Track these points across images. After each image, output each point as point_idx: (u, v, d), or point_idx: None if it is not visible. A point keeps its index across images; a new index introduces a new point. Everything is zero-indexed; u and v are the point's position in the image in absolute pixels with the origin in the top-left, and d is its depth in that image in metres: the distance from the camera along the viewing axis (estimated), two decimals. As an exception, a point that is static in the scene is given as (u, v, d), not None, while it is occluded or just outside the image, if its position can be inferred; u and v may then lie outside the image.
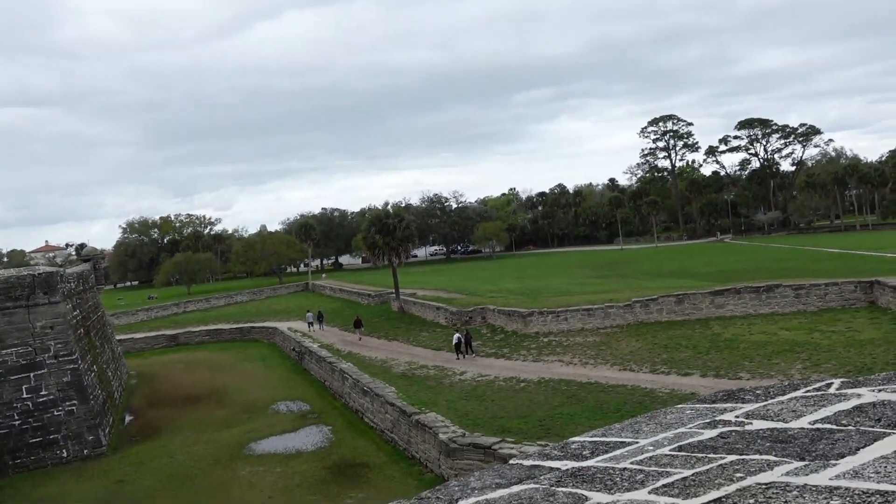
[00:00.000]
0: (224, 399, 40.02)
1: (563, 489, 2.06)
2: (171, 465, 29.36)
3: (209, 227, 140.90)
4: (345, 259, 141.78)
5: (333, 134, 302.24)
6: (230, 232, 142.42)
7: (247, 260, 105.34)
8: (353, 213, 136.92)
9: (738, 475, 1.95)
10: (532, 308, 42.70)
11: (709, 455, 2.24)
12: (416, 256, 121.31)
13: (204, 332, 64.23)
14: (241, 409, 37.53)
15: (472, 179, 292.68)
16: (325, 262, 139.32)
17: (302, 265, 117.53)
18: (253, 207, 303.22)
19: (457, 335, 40.30)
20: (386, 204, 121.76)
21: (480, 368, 35.59)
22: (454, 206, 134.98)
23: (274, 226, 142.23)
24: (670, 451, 2.39)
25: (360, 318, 53.13)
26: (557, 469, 2.40)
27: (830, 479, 1.79)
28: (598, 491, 2.01)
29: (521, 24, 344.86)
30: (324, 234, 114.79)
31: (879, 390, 2.76)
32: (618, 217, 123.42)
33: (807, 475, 1.84)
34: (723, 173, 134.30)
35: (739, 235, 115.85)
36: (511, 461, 2.64)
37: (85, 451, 32.42)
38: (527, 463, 2.60)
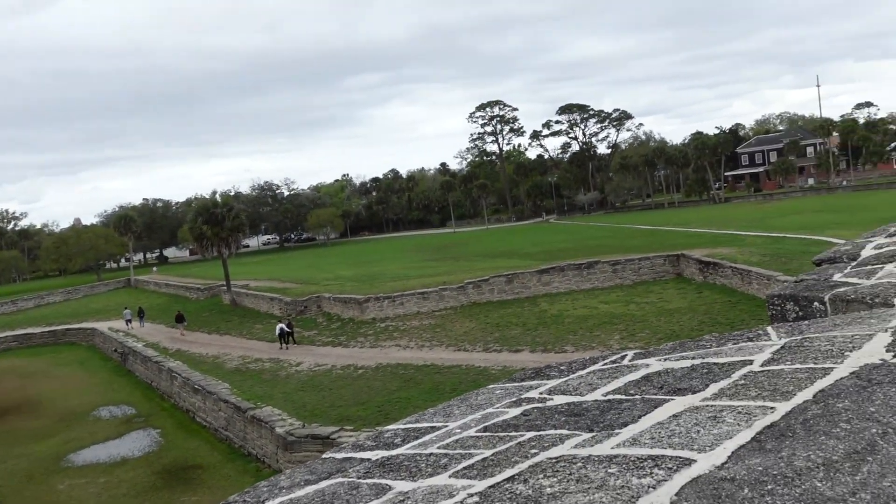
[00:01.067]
0: (37, 409, 36.93)
1: (369, 481, 2.07)
2: (-24, 486, 26.74)
3: (13, 223, 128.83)
4: (170, 252, 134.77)
5: (154, 120, 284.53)
6: (38, 227, 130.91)
7: (59, 257, 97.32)
8: (178, 203, 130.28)
9: (533, 451, 2.04)
10: (368, 294, 42.78)
11: (510, 433, 2.33)
12: (247, 246, 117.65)
13: (10, 338, 58.81)
14: (57, 418, 34.82)
15: (304, 166, 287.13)
16: (148, 255, 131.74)
17: (123, 260, 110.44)
18: (65, 200, 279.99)
19: (280, 325, 39.83)
20: (214, 193, 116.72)
21: (317, 358, 35.23)
22: (286, 193, 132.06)
23: (90, 219, 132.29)
24: (476, 432, 2.46)
25: (182, 312, 50.82)
26: (368, 460, 2.41)
27: (612, 448, 1.90)
28: (402, 479, 2.04)
29: (350, 8, 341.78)
30: (146, 226, 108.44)
31: (665, 359, 2.97)
32: (450, 201, 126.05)
33: (592, 446, 1.96)
34: (546, 157, 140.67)
35: (563, 215, 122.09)
36: (324, 455, 2.62)
37: None
38: (339, 456, 2.59)
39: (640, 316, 33.74)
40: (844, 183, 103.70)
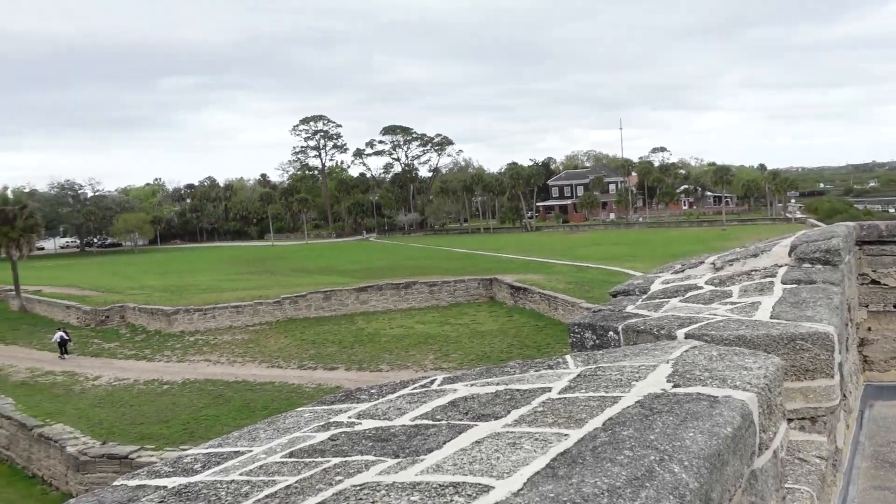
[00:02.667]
0: None
1: (161, 512, 1.96)
2: None
3: None
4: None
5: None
6: None
7: None
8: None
9: (339, 478, 2.03)
10: (178, 306, 40.64)
11: (316, 459, 2.30)
12: (42, 249, 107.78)
13: None
14: None
15: (111, 166, 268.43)
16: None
17: None
18: None
19: (59, 332, 37.63)
20: (5, 188, 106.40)
21: (118, 372, 32.88)
22: (90, 194, 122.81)
23: None
24: (281, 458, 2.40)
25: None
26: (164, 488, 2.27)
27: (416, 474, 1.93)
28: (199, 510, 1.95)
29: (169, 5, 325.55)
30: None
31: (472, 384, 3.06)
32: (269, 213, 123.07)
33: (397, 472, 1.98)
34: (369, 175, 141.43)
35: (383, 235, 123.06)
36: (116, 482, 2.45)
37: None
38: (132, 483, 2.42)
39: (454, 337, 34.65)
40: (640, 219, 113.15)
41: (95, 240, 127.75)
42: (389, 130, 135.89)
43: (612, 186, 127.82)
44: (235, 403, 26.42)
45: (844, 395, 4.65)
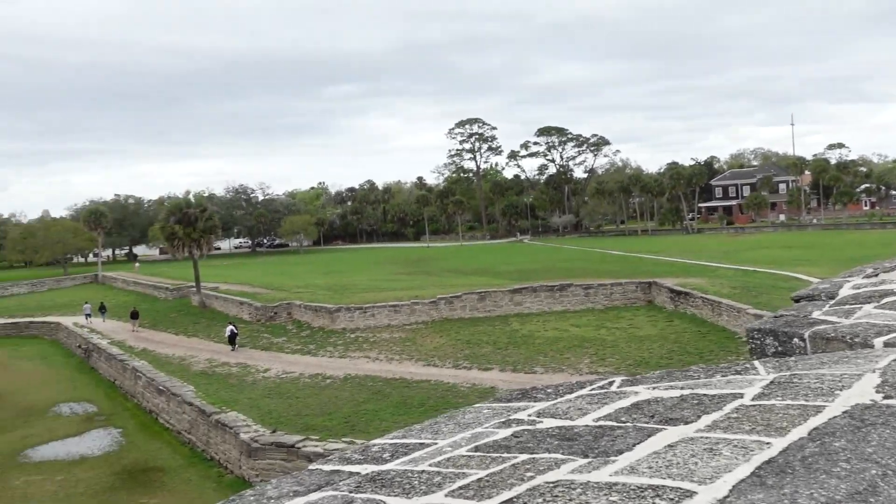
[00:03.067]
0: (-6, 402, 36.13)
1: (362, 495, 2.05)
2: (-74, 479, 26.03)
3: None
4: (140, 250, 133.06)
5: (128, 116, 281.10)
6: (5, 217, 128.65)
7: (25, 248, 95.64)
8: (149, 200, 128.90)
9: (529, 474, 2.03)
10: (339, 304, 42.55)
11: (503, 455, 2.32)
12: (219, 249, 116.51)
13: (-29, 328, 57.58)
14: (15, 412, 34.06)
15: (279, 171, 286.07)
16: (117, 252, 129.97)
17: (91, 255, 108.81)
18: (34, 190, 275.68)
19: (230, 327, 40.83)
20: (187, 193, 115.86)
21: (285, 365, 34.90)
22: (261, 197, 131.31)
23: (59, 211, 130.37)
24: (467, 451, 2.44)
25: (136, 310, 51.05)
26: (357, 474, 2.38)
27: (610, 475, 1.90)
28: (395, 496, 2.02)
29: (331, 17, 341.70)
30: (116, 222, 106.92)
31: (654, 388, 2.98)
32: (425, 215, 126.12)
33: (589, 472, 1.95)
34: (523, 177, 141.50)
35: (537, 236, 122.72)
36: (311, 466, 2.58)
37: None
38: (326, 468, 2.56)
39: (611, 341, 33.92)
40: (815, 221, 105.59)
41: (265, 240, 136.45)
42: (544, 132, 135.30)
43: (781, 186, 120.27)
44: (393, 399, 27.27)
45: None
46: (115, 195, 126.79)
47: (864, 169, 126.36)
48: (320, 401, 27.96)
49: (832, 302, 5.06)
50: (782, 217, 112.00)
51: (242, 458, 22.66)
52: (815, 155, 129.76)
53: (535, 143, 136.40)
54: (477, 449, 2.42)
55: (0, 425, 31.97)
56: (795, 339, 4.25)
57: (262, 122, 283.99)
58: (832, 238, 75.18)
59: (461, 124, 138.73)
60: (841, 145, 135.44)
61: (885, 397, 2.31)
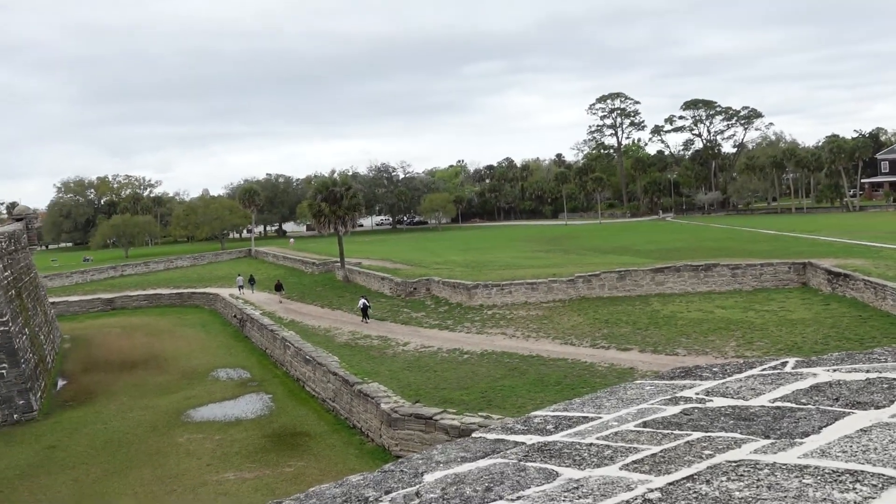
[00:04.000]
0: (162, 365, 39.34)
1: (533, 464, 2.04)
2: (105, 432, 28.78)
3: (149, 190, 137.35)
4: (289, 226, 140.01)
5: (279, 99, 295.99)
6: (171, 195, 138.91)
7: (188, 224, 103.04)
8: (297, 179, 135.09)
9: (707, 452, 1.96)
10: (477, 281, 42.94)
11: (674, 432, 2.25)
12: (361, 226, 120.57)
13: (142, 297, 62.85)
14: (179, 375, 36.96)
15: (420, 150, 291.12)
16: (268, 228, 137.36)
17: (245, 231, 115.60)
18: (195, 170, 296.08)
19: (362, 300, 42.52)
20: (332, 172, 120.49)
21: (424, 339, 35.72)
22: (401, 176, 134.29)
23: (217, 190, 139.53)
24: (635, 426, 2.39)
25: (281, 282, 54.77)
26: (523, 444, 2.38)
27: (798, 457, 1.80)
28: (567, 466, 2.00)
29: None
30: (268, 200, 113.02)
31: (834, 370, 2.81)
32: (563, 192, 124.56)
33: (775, 453, 1.86)
34: (667, 153, 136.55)
35: (681, 214, 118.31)
36: (474, 434, 2.62)
37: (15, 416, 31.50)
38: (490, 437, 2.58)
39: (760, 324, 32.27)
40: None
41: (405, 218, 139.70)
42: (691, 105, 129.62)
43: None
44: (530, 376, 27.26)
45: None
46: (267, 174, 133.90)
47: None
48: (458, 375, 28.42)
49: None
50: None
51: (383, 427, 23.45)
52: None
53: (681, 118, 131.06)
54: (645, 425, 2.35)
55: (166, 386, 34.78)
56: None
57: (404, 103, 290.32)
58: None
59: (602, 99, 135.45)
60: None
61: None
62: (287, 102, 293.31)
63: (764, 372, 2.96)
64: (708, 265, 41.31)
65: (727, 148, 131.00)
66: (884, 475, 1.60)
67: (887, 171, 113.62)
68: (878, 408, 2.19)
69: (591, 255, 57.84)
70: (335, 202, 57.06)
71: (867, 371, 2.66)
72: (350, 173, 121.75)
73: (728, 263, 41.47)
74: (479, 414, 21.56)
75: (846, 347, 26.50)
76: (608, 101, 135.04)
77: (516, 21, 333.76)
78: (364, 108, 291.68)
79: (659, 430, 2.27)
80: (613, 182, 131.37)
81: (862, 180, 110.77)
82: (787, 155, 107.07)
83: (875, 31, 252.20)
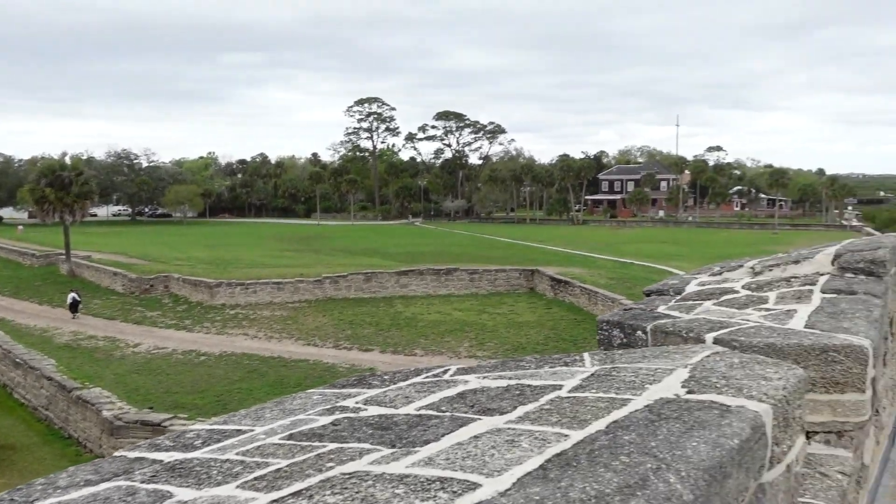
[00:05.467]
0: None
1: (149, 486, 1.94)
2: None
3: None
4: (6, 212, 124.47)
5: (2, 65, 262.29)
6: None
7: None
8: (21, 160, 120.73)
9: (330, 465, 1.99)
10: (220, 279, 41.35)
11: (313, 444, 2.27)
12: (94, 216, 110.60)
13: None
14: None
15: (168, 138, 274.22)
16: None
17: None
18: None
19: (72, 293, 40.15)
20: (63, 154, 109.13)
21: (158, 340, 33.60)
22: (144, 164, 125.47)
23: None
24: (280, 439, 2.37)
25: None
26: (160, 462, 2.26)
27: (407, 466, 1.89)
28: (187, 487, 1.93)
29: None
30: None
31: (484, 377, 3.00)
32: (317, 192, 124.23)
33: (388, 463, 1.93)
34: (419, 159, 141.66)
35: (429, 220, 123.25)
36: (116, 453, 2.45)
37: None
38: (132, 455, 2.42)
39: (491, 326, 34.58)
40: (690, 218, 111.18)
41: (146, 209, 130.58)
42: (442, 116, 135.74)
43: (663, 184, 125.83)
44: (269, 378, 26.79)
45: (877, 411, 4.47)
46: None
47: (738, 172, 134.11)
48: (193, 378, 27.11)
49: (678, 297, 5.29)
50: (661, 213, 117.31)
51: (104, 436, 21.69)
52: (695, 156, 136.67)
53: (433, 127, 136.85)
54: (291, 437, 2.35)
55: None
56: (639, 332, 4.41)
57: (153, 86, 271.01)
58: (705, 235, 79.44)
59: (360, 102, 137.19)
60: (719, 148, 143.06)
61: (689, 392, 2.41)
62: (9, 71, 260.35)
63: (426, 379, 3.11)
64: (449, 269, 43.48)
65: (474, 159, 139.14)
66: (468, 481, 1.72)
67: (607, 189, 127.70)
68: (501, 413, 2.37)
69: (341, 256, 58.24)
70: (63, 188, 51.77)
71: (510, 378, 2.88)
72: (85, 157, 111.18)
73: (467, 268, 43.98)
74: (212, 419, 20.77)
75: (563, 348, 29.29)
76: (366, 104, 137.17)
77: (278, 12, 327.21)
78: (105, 87, 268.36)
79: (300, 443, 2.28)
80: (367, 185, 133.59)
81: (586, 197, 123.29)
82: (525, 170, 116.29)
83: (604, 64, 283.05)
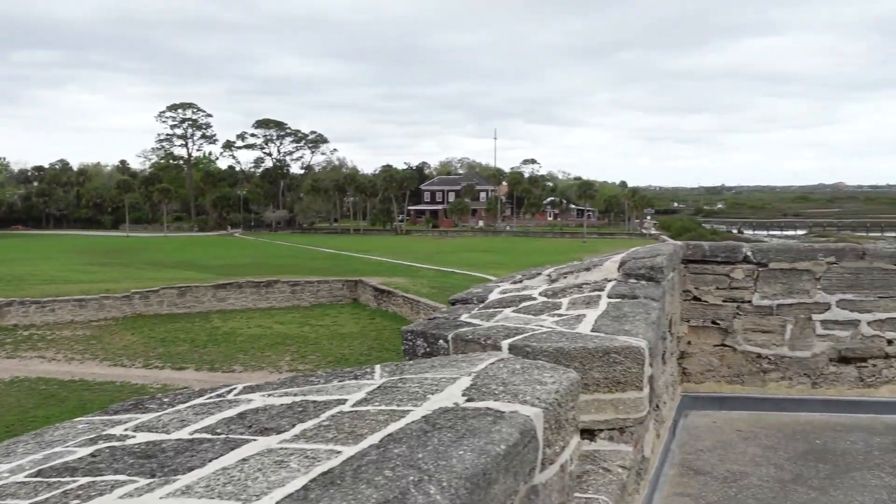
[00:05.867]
0: None
1: None
2: None
3: None
4: None
5: None
6: None
7: None
8: None
9: (74, 502, 1.81)
10: (11, 297, 37.63)
11: (63, 479, 2.06)
12: None
13: None
14: None
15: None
16: None
17: None
18: None
19: None
20: None
21: (-66, 367, 30.00)
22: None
23: None
24: (26, 477, 2.14)
25: None
26: None
27: (161, 497, 1.76)
28: None
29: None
30: None
31: (269, 395, 2.90)
32: (126, 202, 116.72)
33: (140, 496, 1.79)
34: (238, 168, 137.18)
35: (249, 231, 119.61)
36: None
37: None
38: None
39: (314, 338, 34.09)
40: (508, 228, 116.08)
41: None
42: (263, 124, 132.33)
43: (482, 194, 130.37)
44: (70, 404, 24.69)
45: (657, 406, 4.82)
46: None
47: (551, 184, 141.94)
48: (-24, 409, 24.44)
49: (481, 305, 5.43)
50: (481, 223, 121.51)
51: None
52: (512, 168, 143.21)
53: (253, 135, 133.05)
54: (39, 473, 2.13)
55: None
56: (441, 341, 4.47)
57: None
58: (521, 244, 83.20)
59: (173, 108, 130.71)
60: (534, 161, 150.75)
61: (468, 400, 2.44)
62: None
63: (208, 400, 2.94)
64: (270, 281, 42.40)
65: (295, 169, 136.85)
66: (222, 510, 1.63)
67: (429, 200, 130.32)
68: (279, 433, 2.28)
69: (153, 269, 54.98)
70: None
71: (296, 395, 2.80)
72: None
73: (289, 280, 43.10)
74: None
75: (386, 358, 29.44)
76: (179, 110, 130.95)
77: (77, 10, 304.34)
78: None
79: (48, 480, 2.07)
80: (182, 194, 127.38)
81: (409, 207, 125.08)
82: (348, 180, 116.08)
83: (426, 77, 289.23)
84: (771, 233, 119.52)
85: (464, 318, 4.94)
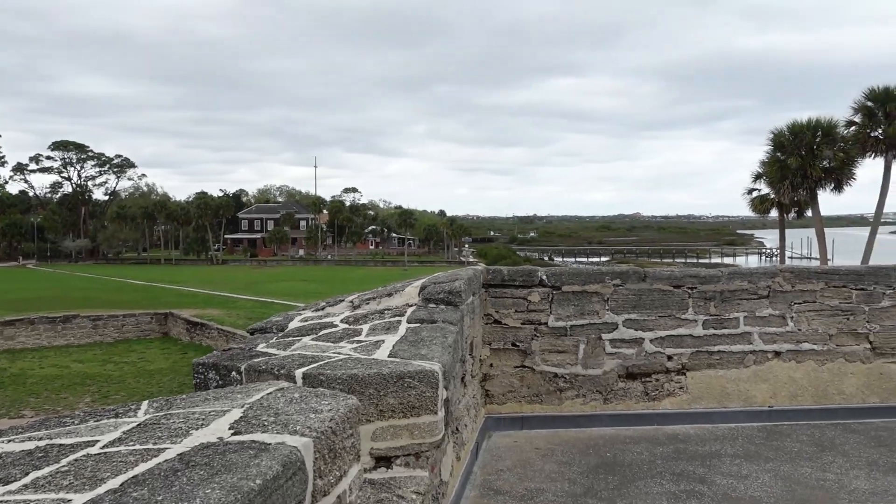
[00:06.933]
0: None
1: None
2: None
3: None
4: None
5: None
6: None
7: None
8: None
9: None
10: None
11: None
12: None
13: None
14: None
15: None
16: None
17: None
18: None
19: None
20: None
21: None
22: None
23: None
24: None
25: None
26: None
27: None
28: None
29: None
30: None
31: (10, 440, 2.58)
32: None
33: None
34: (32, 194, 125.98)
35: (45, 262, 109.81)
36: None
37: None
38: None
39: (118, 377, 31.69)
40: (329, 256, 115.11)
41: None
42: (61, 146, 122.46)
43: (303, 223, 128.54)
44: None
45: (457, 429, 4.87)
46: None
47: (372, 212, 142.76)
48: None
49: (280, 334, 5.24)
50: (301, 252, 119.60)
51: None
52: (333, 196, 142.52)
53: (49, 158, 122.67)
54: None
55: None
56: (234, 373, 4.23)
57: None
58: (342, 273, 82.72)
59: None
60: (355, 189, 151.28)
61: (234, 433, 2.29)
62: None
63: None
64: (67, 316, 39.04)
65: (99, 195, 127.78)
66: None
67: (246, 228, 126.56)
68: (7, 483, 2.01)
69: (-74, 306, 48.81)
70: None
71: (41, 438, 2.49)
72: None
73: (89, 315, 39.91)
74: None
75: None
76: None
77: None
78: None
79: None
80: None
81: (225, 236, 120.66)
82: (158, 207, 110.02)
83: (240, 102, 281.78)
84: (578, 259, 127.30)
85: (260, 347, 4.73)
